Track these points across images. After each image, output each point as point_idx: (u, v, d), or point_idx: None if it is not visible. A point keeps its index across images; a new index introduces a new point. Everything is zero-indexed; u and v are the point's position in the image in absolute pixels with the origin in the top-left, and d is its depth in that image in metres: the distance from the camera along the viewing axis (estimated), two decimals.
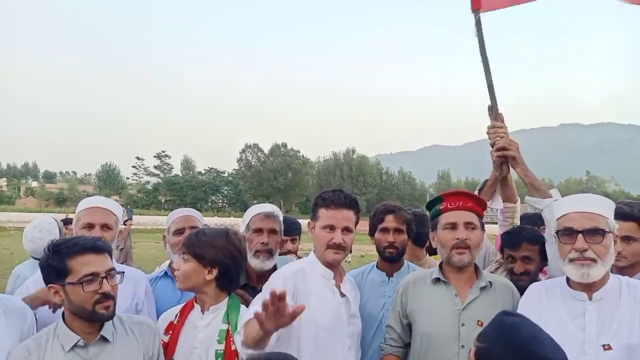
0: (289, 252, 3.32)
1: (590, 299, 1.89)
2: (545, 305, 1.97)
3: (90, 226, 2.34)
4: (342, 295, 2.22)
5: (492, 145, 2.64)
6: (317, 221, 2.23)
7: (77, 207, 2.48)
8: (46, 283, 1.81)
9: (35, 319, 2.00)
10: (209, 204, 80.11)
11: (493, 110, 2.68)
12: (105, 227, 2.35)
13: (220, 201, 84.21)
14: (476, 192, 2.59)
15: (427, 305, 2.18)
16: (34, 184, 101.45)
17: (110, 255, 1.91)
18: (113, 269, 1.83)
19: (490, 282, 2.19)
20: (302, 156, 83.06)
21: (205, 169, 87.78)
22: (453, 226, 2.17)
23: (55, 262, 1.75)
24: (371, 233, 2.77)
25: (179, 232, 2.62)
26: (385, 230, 2.68)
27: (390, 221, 2.68)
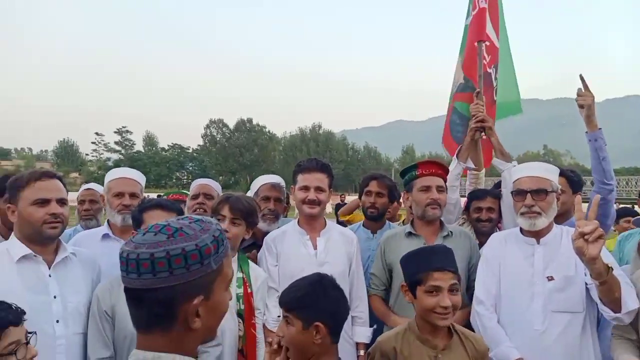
0: None
1: (538, 243, 2.39)
2: (504, 249, 2.48)
3: (120, 194, 2.66)
4: (315, 247, 2.67)
5: (473, 116, 3.22)
6: (296, 185, 2.70)
7: (105, 177, 2.79)
8: None
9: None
10: (174, 180, 78.84)
11: (479, 95, 3.34)
12: (133, 195, 2.68)
13: (185, 177, 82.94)
14: (455, 154, 3.21)
15: (402, 254, 2.62)
16: None
17: None
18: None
19: (451, 232, 2.71)
20: (268, 132, 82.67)
21: (168, 145, 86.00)
22: (427, 189, 2.67)
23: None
24: (360, 197, 3.30)
25: (194, 197, 3.06)
26: (369, 193, 3.19)
27: (373, 186, 3.21)
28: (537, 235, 2.39)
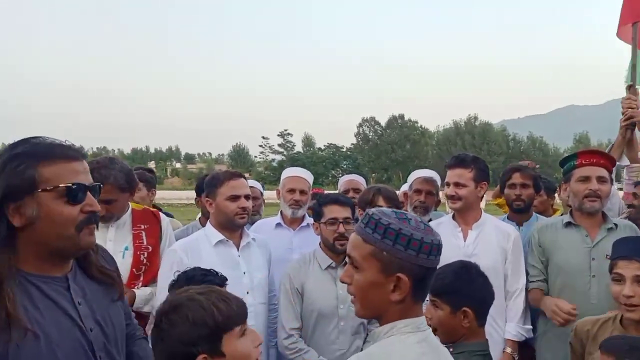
0: None
1: None
2: None
3: (292, 190, 3.14)
4: (465, 239, 2.73)
5: (623, 113, 3.04)
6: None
7: (282, 174, 3.33)
8: None
9: None
10: (330, 178, 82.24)
11: (632, 88, 3.12)
12: (302, 192, 3.13)
13: (340, 175, 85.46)
14: (607, 151, 2.96)
15: (562, 244, 2.59)
16: (178, 165, 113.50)
17: None
18: None
19: (615, 224, 2.55)
20: (421, 127, 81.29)
21: (324, 145, 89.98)
22: (586, 179, 2.54)
23: None
24: (502, 190, 3.26)
25: (345, 192, 3.49)
26: (513, 185, 3.13)
27: (517, 178, 3.13)
28: None
